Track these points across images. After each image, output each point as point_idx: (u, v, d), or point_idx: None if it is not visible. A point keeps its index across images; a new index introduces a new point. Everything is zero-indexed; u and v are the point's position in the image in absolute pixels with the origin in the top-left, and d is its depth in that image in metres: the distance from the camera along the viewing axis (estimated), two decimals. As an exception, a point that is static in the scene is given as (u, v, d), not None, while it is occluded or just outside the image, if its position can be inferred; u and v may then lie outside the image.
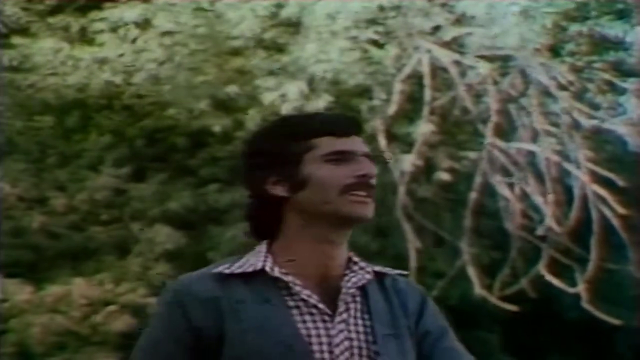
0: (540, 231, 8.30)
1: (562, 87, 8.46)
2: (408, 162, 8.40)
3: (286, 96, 8.10)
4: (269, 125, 2.27)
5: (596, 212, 8.20)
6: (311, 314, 2.12)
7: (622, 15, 8.77)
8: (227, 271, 2.14)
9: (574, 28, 8.70)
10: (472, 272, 8.42)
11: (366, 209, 2.13)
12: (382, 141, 8.41)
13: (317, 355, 2.10)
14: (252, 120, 8.13)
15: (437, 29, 8.58)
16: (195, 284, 2.14)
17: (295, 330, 2.10)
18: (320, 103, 8.20)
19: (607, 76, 8.61)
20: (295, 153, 2.14)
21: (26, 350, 7.52)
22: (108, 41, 8.43)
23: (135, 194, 8.08)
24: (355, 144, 2.16)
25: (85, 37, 8.47)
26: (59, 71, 8.21)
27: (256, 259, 2.16)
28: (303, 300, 2.13)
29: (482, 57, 8.52)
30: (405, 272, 2.28)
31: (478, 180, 8.39)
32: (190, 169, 8.29)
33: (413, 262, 8.26)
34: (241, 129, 8.17)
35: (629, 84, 8.58)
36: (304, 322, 2.11)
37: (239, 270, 2.14)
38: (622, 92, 8.65)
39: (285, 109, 8.11)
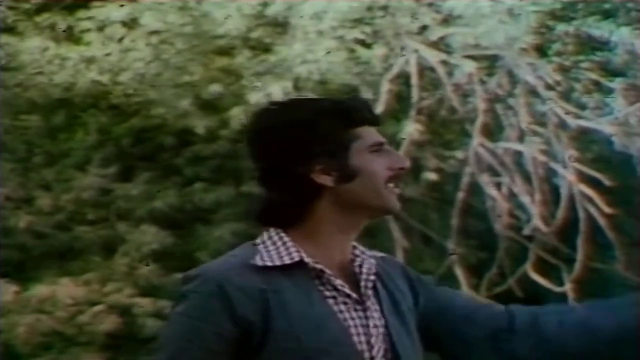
0: (527, 231, 8.31)
1: (549, 87, 8.47)
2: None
3: (271, 95, 8.09)
4: (305, 105, 2.18)
5: (583, 212, 8.21)
6: (345, 303, 2.12)
7: (608, 15, 8.79)
8: (269, 263, 2.09)
9: (561, 28, 8.72)
10: (459, 272, 8.42)
11: (397, 201, 2.20)
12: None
13: (358, 346, 2.09)
14: (237, 119, 8.11)
15: (424, 28, 8.59)
16: (236, 275, 2.07)
17: (339, 323, 2.09)
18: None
19: (593, 76, 8.63)
20: (344, 142, 2.12)
21: (11, 350, 7.49)
22: (95, 40, 8.41)
23: (122, 194, 8.06)
24: (379, 134, 2.18)
25: (72, 36, 8.45)
26: (45, 70, 8.18)
27: (285, 249, 2.11)
28: (337, 289, 2.11)
29: (469, 56, 8.52)
30: (380, 253, 2.27)
31: (465, 180, 8.40)
32: (176, 168, 8.28)
33: (400, 261, 8.25)
34: (226, 127, 8.16)
35: (616, 83, 8.60)
36: (341, 312, 2.10)
37: (279, 262, 2.10)
38: (609, 92, 8.67)
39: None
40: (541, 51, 8.67)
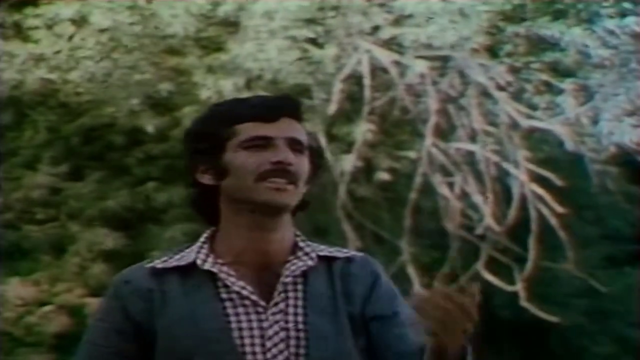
0: (479, 230, 8.35)
1: (501, 88, 8.52)
2: (348, 161, 8.39)
3: (222, 92, 8.05)
4: (202, 112, 2.25)
5: (534, 211, 8.27)
6: (244, 305, 2.11)
7: (558, 16, 8.86)
8: (160, 266, 2.14)
9: (511, 29, 8.77)
10: (411, 271, 8.44)
11: (282, 196, 2.11)
12: (322, 141, 8.40)
13: (248, 348, 2.08)
14: (189, 117, 8.07)
15: (376, 28, 8.59)
16: (133, 277, 2.16)
17: (222, 324, 2.08)
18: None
19: (544, 77, 8.68)
20: (219, 140, 2.14)
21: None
22: (43, 38, 8.31)
23: (72, 193, 7.98)
24: (280, 129, 2.14)
25: (20, 34, 8.35)
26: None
27: (193, 250, 2.15)
28: (237, 292, 2.10)
29: (421, 57, 8.54)
30: (358, 254, 2.22)
31: (418, 180, 8.42)
32: (126, 167, 8.21)
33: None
34: (178, 127, 8.11)
35: (566, 84, 8.67)
36: (237, 314, 2.10)
37: (174, 264, 2.13)
38: (559, 92, 8.73)
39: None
40: (492, 52, 8.71)
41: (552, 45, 8.77)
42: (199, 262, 2.13)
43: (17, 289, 7.42)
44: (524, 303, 8.33)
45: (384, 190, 8.84)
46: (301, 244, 2.17)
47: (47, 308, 7.33)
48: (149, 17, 8.32)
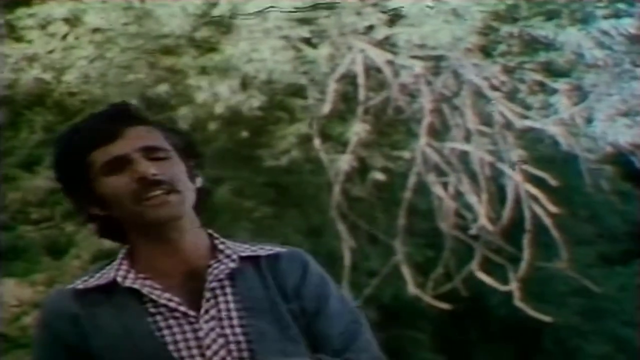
0: (473, 230, 8.36)
1: (495, 88, 8.52)
2: (342, 161, 8.39)
3: (218, 95, 8.03)
4: (52, 148, 2.19)
5: (529, 211, 8.27)
6: (175, 317, 2.06)
7: (552, 16, 8.86)
8: (81, 286, 2.09)
9: (505, 29, 8.77)
10: (405, 271, 8.44)
11: (167, 209, 2.07)
12: (317, 141, 8.40)
13: None
14: (184, 118, 8.06)
15: (370, 28, 8.58)
16: (58, 302, 2.11)
17: (155, 340, 2.04)
18: (254, 102, 8.16)
19: (538, 77, 8.69)
20: (81, 175, 2.09)
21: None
22: (37, 38, 8.28)
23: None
24: (127, 143, 2.08)
25: (13, 33, 8.32)
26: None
27: (113, 267, 2.11)
28: (164, 305, 2.07)
29: (415, 57, 8.54)
30: (283, 249, 2.16)
31: (412, 179, 8.42)
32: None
33: (347, 260, 8.26)
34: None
35: (560, 84, 8.67)
36: (169, 327, 2.06)
37: (94, 284, 2.09)
38: (553, 92, 8.74)
39: (219, 108, 8.06)
40: (486, 52, 8.71)
41: (546, 45, 8.77)
42: (119, 279, 2.08)
43: (13, 290, 7.41)
44: (518, 303, 8.33)
45: (378, 190, 8.84)
46: (220, 246, 2.12)
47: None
48: (143, 16, 8.30)
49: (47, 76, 8.14)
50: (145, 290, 2.08)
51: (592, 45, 8.59)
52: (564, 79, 8.70)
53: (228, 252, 2.12)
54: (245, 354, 2.05)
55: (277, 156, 8.26)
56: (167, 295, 2.07)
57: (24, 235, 7.81)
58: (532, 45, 8.83)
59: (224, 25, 8.49)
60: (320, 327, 2.12)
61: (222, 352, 2.05)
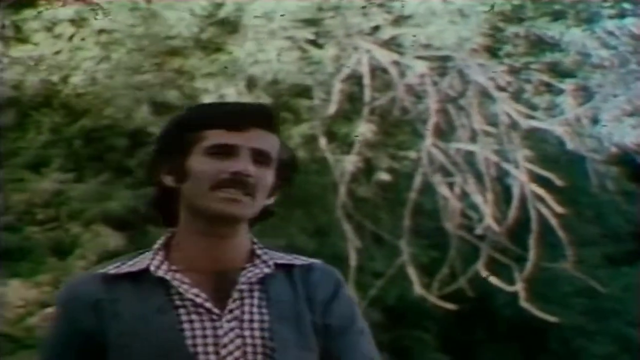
0: (479, 230, 8.36)
1: (500, 88, 8.52)
2: (348, 162, 8.40)
3: (224, 97, 8.04)
4: (175, 115, 2.23)
5: (534, 212, 8.27)
6: (198, 313, 2.08)
7: (558, 16, 8.87)
8: (112, 272, 2.11)
9: (511, 29, 8.77)
10: (411, 271, 8.45)
11: (236, 208, 2.08)
12: (322, 141, 8.41)
13: (202, 356, 2.05)
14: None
15: (376, 29, 8.59)
16: (80, 286, 2.12)
17: (174, 333, 2.05)
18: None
19: (544, 77, 8.69)
20: (185, 144, 2.11)
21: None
22: (43, 39, 8.30)
23: (73, 194, 7.97)
24: (246, 138, 2.10)
25: (20, 34, 8.33)
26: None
27: (147, 256, 2.12)
28: (190, 299, 2.08)
29: (420, 57, 8.54)
30: (317, 261, 2.19)
31: (418, 180, 8.42)
32: (128, 169, 8.20)
33: (353, 261, 8.27)
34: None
35: (566, 84, 8.67)
36: (191, 322, 2.07)
37: (125, 270, 2.10)
38: (559, 92, 8.74)
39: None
40: (492, 52, 8.71)
41: (552, 45, 8.78)
42: (152, 268, 2.09)
43: (18, 290, 7.42)
44: (523, 303, 8.34)
45: (384, 190, 8.84)
46: (258, 252, 2.15)
47: (49, 310, 7.32)
48: (149, 18, 8.32)
49: (54, 77, 8.15)
50: (174, 283, 2.09)
51: (597, 46, 8.60)
52: (570, 80, 8.71)
53: (265, 257, 2.15)
54: (259, 358, 2.08)
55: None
56: (195, 290, 2.09)
57: (30, 236, 7.83)
58: (538, 45, 8.84)
59: (230, 26, 8.51)
60: (343, 347, 2.14)
61: (237, 353, 2.07)
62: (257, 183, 2.10)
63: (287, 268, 2.16)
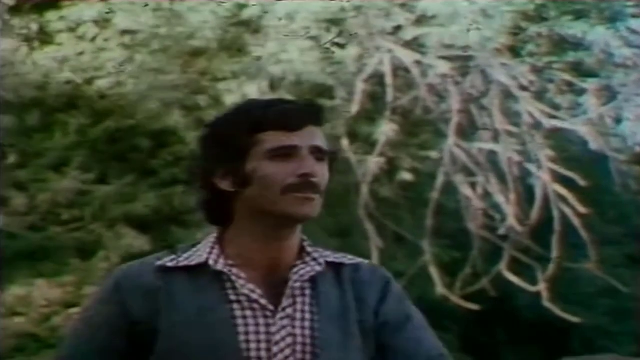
0: (502, 230, 8.34)
1: (523, 88, 8.51)
2: (370, 162, 8.40)
3: (247, 96, 8.06)
4: (224, 114, 2.20)
5: (557, 212, 8.26)
6: (252, 309, 2.08)
7: (581, 15, 8.84)
8: (170, 264, 2.11)
9: (534, 29, 8.75)
10: (433, 271, 8.44)
11: (309, 208, 2.09)
12: (344, 141, 8.41)
13: (253, 352, 2.06)
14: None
15: (398, 29, 8.59)
16: (137, 273, 2.12)
17: (227, 327, 2.06)
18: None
19: (566, 76, 8.67)
20: (242, 147, 2.10)
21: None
22: (67, 40, 8.33)
23: (99, 195, 8.00)
24: (304, 137, 2.10)
25: (43, 36, 8.37)
26: (18, 71, 8.10)
27: (204, 249, 2.12)
28: (245, 295, 2.08)
29: (443, 57, 8.53)
30: (365, 261, 2.20)
31: (440, 180, 8.42)
32: (152, 170, 8.22)
33: (375, 261, 8.26)
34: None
35: (588, 84, 8.65)
36: (244, 317, 2.08)
37: (184, 263, 2.11)
38: (582, 92, 8.72)
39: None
40: (515, 52, 8.70)
41: (575, 45, 8.76)
42: (211, 262, 2.09)
43: (42, 290, 7.46)
44: (546, 303, 8.32)
45: (406, 190, 8.84)
46: (309, 249, 2.15)
47: (73, 310, 7.35)
48: (173, 19, 8.34)
49: (77, 78, 8.18)
50: (233, 277, 2.09)
51: (620, 45, 8.57)
52: (593, 79, 8.68)
53: (315, 255, 2.14)
54: (308, 357, 2.08)
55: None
56: (250, 286, 2.09)
57: (54, 236, 7.86)
58: (561, 45, 8.82)
59: (253, 27, 8.52)
60: (405, 343, 2.14)
61: (287, 351, 2.07)
62: (322, 181, 2.11)
63: (336, 267, 2.16)
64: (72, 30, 8.36)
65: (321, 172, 2.11)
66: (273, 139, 2.09)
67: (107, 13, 8.30)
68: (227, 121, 2.15)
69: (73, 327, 2.16)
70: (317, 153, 2.11)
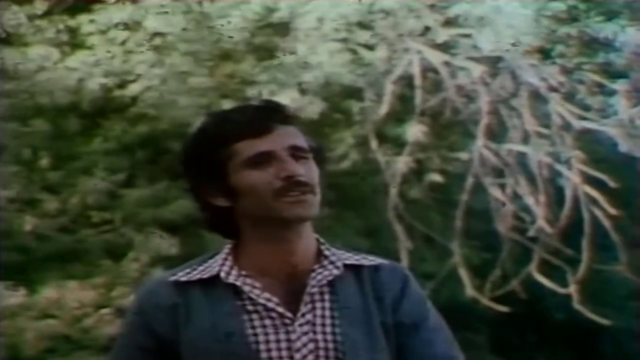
0: (531, 232, 8.32)
1: (553, 89, 8.47)
2: (399, 163, 8.40)
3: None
4: (193, 133, 2.18)
5: (587, 213, 8.22)
6: (271, 317, 2.08)
7: (611, 16, 8.80)
8: (184, 279, 2.13)
9: (564, 30, 8.72)
10: (463, 273, 8.43)
11: (302, 209, 2.08)
12: (373, 142, 8.42)
13: None
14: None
15: (427, 30, 8.58)
16: (155, 291, 2.14)
17: (248, 338, 2.06)
18: (314, 108, 8.17)
19: (596, 77, 8.63)
20: (219, 162, 2.09)
21: (16, 353, 7.48)
22: (98, 44, 8.38)
23: (129, 198, 8.04)
24: (276, 140, 2.09)
25: (75, 40, 8.42)
26: (51, 75, 8.15)
27: (216, 262, 2.12)
28: (262, 304, 2.09)
29: (472, 58, 8.52)
30: (385, 261, 2.19)
31: (469, 181, 8.40)
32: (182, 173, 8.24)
33: (404, 262, 8.27)
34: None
35: (618, 85, 8.60)
36: (264, 327, 2.08)
37: (197, 277, 2.12)
38: (612, 93, 8.68)
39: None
40: (544, 53, 8.67)
41: (605, 46, 8.71)
42: (222, 274, 2.10)
43: (74, 292, 7.51)
44: (576, 305, 8.28)
45: (435, 191, 8.83)
46: (326, 252, 2.14)
47: (104, 311, 7.41)
48: (203, 21, 8.37)
49: (109, 82, 8.22)
50: (245, 289, 2.09)
51: (651, 46, 8.52)
52: (623, 80, 8.63)
53: (333, 258, 2.13)
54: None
55: (335, 160, 8.28)
56: (266, 295, 2.09)
57: (84, 238, 7.91)
58: (591, 45, 8.77)
59: (282, 29, 8.54)
60: (418, 344, 2.14)
61: (310, 357, 2.07)
62: (309, 179, 2.09)
63: (355, 268, 2.15)
64: (102, 32, 8.40)
65: (306, 170, 2.10)
66: (246, 148, 2.09)
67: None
68: (198, 140, 2.14)
69: (111, 355, 2.19)
70: (297, 152, 2.10)
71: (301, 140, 2.12)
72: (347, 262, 2.15)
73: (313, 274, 2.11)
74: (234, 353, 2.06)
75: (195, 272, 2.13)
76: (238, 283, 2.10)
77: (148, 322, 2.11)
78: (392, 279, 2.17)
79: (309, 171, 2.10)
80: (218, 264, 2.12)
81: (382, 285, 2.15)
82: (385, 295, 2.14)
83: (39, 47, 8.18)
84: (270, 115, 2.12)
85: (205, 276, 2.11)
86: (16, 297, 7.48)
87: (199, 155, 2.12)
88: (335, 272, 2.12)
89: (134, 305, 2.17)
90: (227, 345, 2.06)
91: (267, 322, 2.08)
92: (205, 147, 2.11)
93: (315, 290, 2.11)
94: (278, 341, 2.07)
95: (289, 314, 2.08)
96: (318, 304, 2.11)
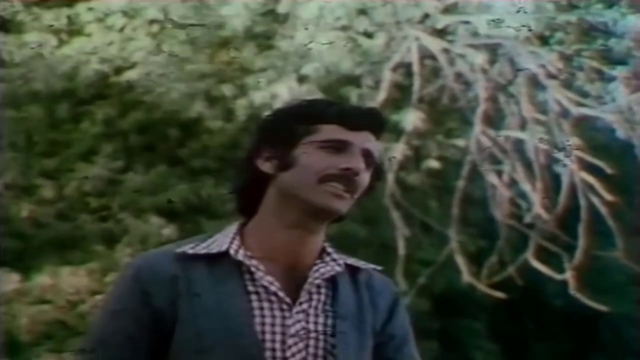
0: (528, 219, 8.32)
1: (551, 76, 8.47)
2: (397, 150, 8.40)
3: (276, 96, 8.07)
4: (287, 104, 2.25)
5: (584, 200, 8.22)
6: (270, 301, 2.11)
7: (611, 3, 8.78)
8: (190, 251, 2.12)
9: (563, 17, 8.71)
10: (460, 259, 8.44)
11: (340, 203, 2.10)
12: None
13: (268, 344, 2.09)
14: (243, 109, 8.13)
15: (425, 17, 8.57)
16: (156, 261, 2.12)
17: (246, 317, 2.08)
18: (312, 96, 8.17)
19: (595, 64, 8.62)
20: (297, 133, 2.12)
21: (13, 339, 7.50)
22: (96, 31, 8.37)
23: (126, 185, 8.05)
24: (359, 138, 2.13)
25: (72, 27, 8.42)
26: (47, 62, 8.15)
27: (224, 239, 2.13)
28: (264, 286, 2.10)
29: (470, 45, 8.51)
30: (379, 268, 2.25)
31: (466, 168, 8.40)
32: (180, 159, 8.26)
33: (401, 249, 8.28)
34: (230, 120, 8.17)
35: (617, 72, 8.59)
36: (261, 309, 2.10)
37: (204, 251, 2.12)
38: (611, 80, 8.67)
39: (277, 104, 8.09)
40: (543, 40, 8.66)
41: (604, 32, 8.70)
42: (232, 251, 2.11)
43: (69, 278, 7.52)
44: (573, 292, 8.30)
45: (433, 178, 8.83)
46: (329, 249, 2.18)
47: (99, 297, 7.41)
48: (201, 9, 8.36)
49: (106, 68, 8.22)
50: (252, 268, 2.10)
51: (651, 32, 8.50)
52: (622, 67, 8.62)
53: (335, 256, 2.18)
54: (320, 352, 2.11)
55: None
56: (269, 278, 2.11)
57: (82, 225, 7.92)
58: (590, 32, 8.76)
59: (281, 16, 8.53)
60: (405, 358, 2.21)
61: (301, 345, 2.10)
62: (360, 182, 2.12)
63: (353, 270, 2.20)
64: (100, 20, 8.40)
65: (364, 175, 2.13)
66: (330, 132, 2.12)
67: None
68: (289, 110, 2.19)
69: (97, 318, 2.16)
70: (367, 157, 2.14)
71: (376, 152, 2.16)
72: (348, 261, 2.19)
73: (315, 267, 2.14)
74: (232, 330, 2.07)
75: (200, 247, 2.13)
76: (247, 262, 2.10)
77: (145, 290, 2.09)
78: (385, 289, 2.23)
79: (364, 178, 2.14)
80: (227, 241, 2.12)
81: (376, 291, 2.20)
82: (379, 302, 2.20)
83: (36, 33, 8.17)
84: (368, 118, 2.17)
85: (213, 251, 2.11)
86: (12, 283, 7.48)
87: (283, 121, 2.15)
88: (338, 268, 2.16)
89: (129, 272, 2.13)
90: (226, 322, 2.07)
91: (266, 304, 2.10)
92: (294, 116, 2.15)
93: (317, 282, 2.14)
94: (273, 324, 2.09)
95: (288, 300, 2.11)
96: (315, 296, 2.14)
